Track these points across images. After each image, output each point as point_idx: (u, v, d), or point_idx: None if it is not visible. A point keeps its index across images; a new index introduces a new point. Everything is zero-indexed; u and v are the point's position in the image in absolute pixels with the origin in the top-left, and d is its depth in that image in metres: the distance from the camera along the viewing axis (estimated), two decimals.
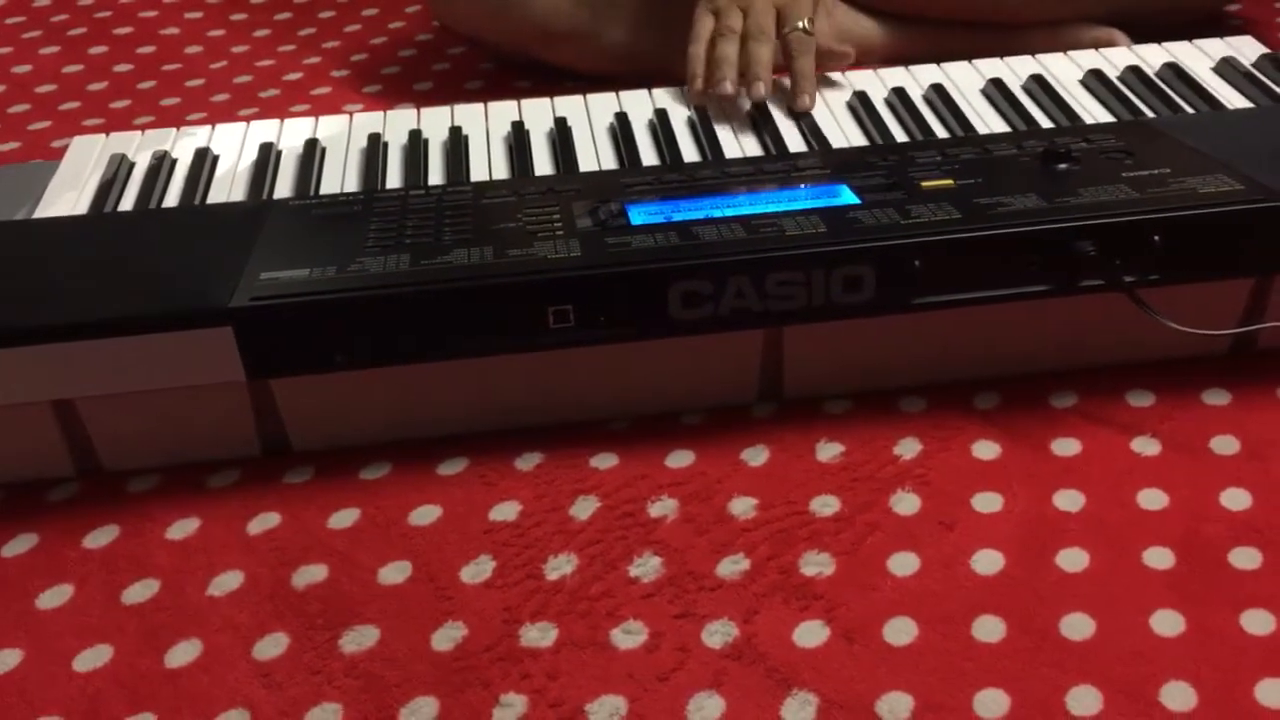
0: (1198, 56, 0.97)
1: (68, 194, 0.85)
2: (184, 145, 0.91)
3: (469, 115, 0.94)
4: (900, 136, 0.88)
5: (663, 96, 0.96)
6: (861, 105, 0.92)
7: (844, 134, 0.89)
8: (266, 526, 0.67)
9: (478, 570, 0.64)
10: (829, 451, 0.70)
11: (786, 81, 0.94)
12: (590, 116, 0.93)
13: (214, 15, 1.39)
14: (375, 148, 0.89)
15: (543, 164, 0.87)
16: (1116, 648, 0.57)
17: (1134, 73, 0.95)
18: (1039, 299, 0.70)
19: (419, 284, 0.66)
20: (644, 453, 0.71)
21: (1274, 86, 0.91)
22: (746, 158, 0.85)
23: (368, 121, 0.94)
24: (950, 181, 0.74)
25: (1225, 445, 0.69)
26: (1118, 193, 0.71)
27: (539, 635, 0.60)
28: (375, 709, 0.57)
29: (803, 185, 0.75)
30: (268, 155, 0.88)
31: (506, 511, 0.67)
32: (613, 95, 0.96)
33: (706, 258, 0.67)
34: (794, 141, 0.88)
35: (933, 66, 0.98)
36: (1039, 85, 0.93)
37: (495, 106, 0.95)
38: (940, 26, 1.14)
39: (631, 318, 0.68)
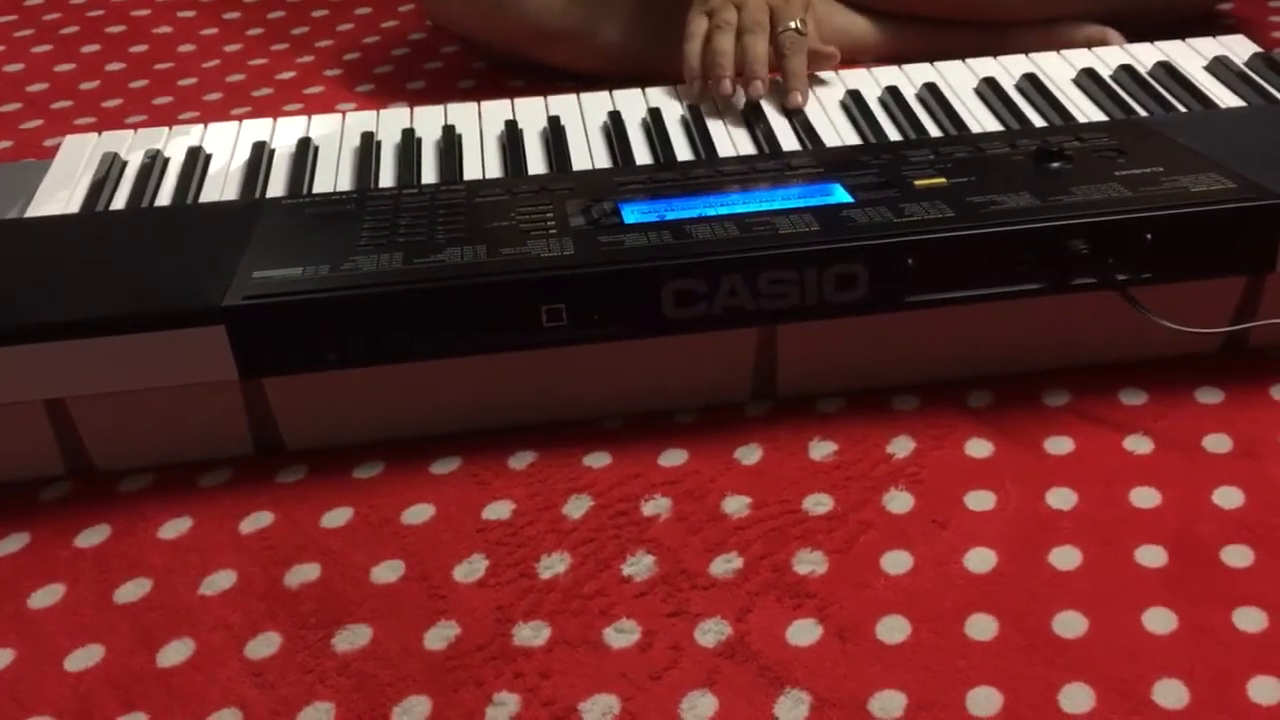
0: (1190, 55, 0.98)
1: (60, 193, 0.85)
2: (176, 144, 0.91)
3: (462, 114, 0.94)
4: (893, 135, 0.88)
5: (656, 95, 0.95)
6: (855, 104, 0.92)
7: (837, 132, 0.89)
8: (259, 525, 0.67)
9: (470, 569, 0.64)
10: (822, 450, 0.70)
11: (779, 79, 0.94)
12: (584, 115, 0.93)
13: (206, 14, 1.38)
14: (368, 146, 0.89)
15: (536, 163, 0.87)
16: (1109, 645, 0.57)
17: (1127, 71, 0.95)
18: (1032, 297, 0.70)
19: (412, 283, 0.66)
20: (637, 451, 0.71)
21: (1266, 86, 0.91)
22: (740, 156, 0.85)
23: (361, 120, 0.94)
24: (943, 180, 0.74)
25: (1218, 444, 0.69)
26: (1110, 191, 0.71)
27: (532, 634, 0.60)
28: (368, 708, 0.56)
29: (796, 184, 0.75)
30: (260, 154, 0.88)
31: (499, 510, 0.67)
32: (606, 94, 0.96)
33: (700, 256, 0.67)
34: (787, 140, 0.88)
35: (926, 65, 0.98)
36: (1032, 84, 0.93)
37: (488, 105, 0.95)
38: (933, 25, 1.14)
39: (625, 316, 0.68)
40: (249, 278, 0.67)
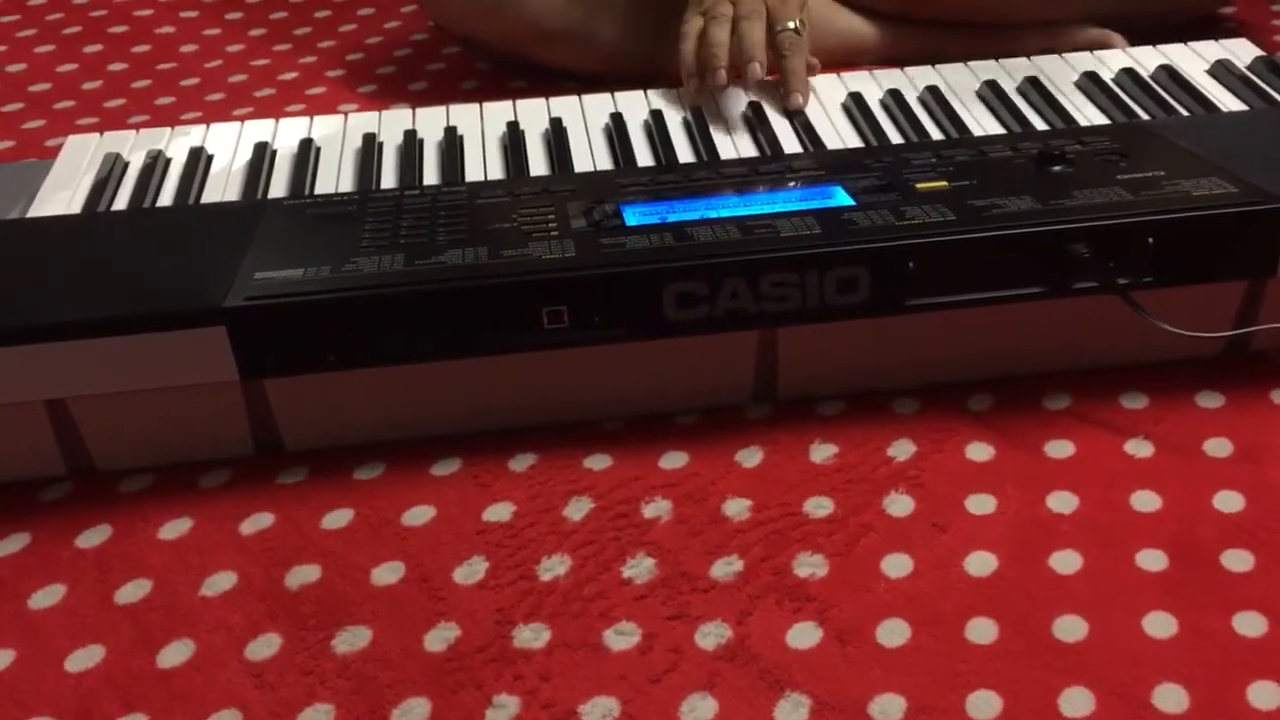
0: (1192, 59, 0.98)
1: (62, 193, 0.85)
2: (178, 144, 0.91)
3: (464, 115, 0.94)
4: (895, 138, 0.88)
5: (658, 97, 0.95)
6: (856, 106, 0.92)
7: (839, 135, 0.89)
8: (259, 527, 0.67)
9: (471, 571, 0.64)
10: (823, 453, 0.70)
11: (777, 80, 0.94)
12: (585, 117, 0.93)
13: (209, 14, 1.38)
14: (370, 147, 0.89)
15: (538, 164, 0.87)
16: (1109, 649, 0.57)
17: (1128, 75, 0.95)
18: (1033, 301, 0.70)
19: (413, 284, 0.66)
20: (638, 453, 0.71)
21: (1268, 89, 0.91)
22: (741, 159, 0.85)
23: (363, 121, 0.94)
24: (945, 183, 0.74)
25: (1218, 448, 0.69)
26: (1112, 195, 0.71)
27: (532, 636, 0.60)
28: (367, 710, 0.56)
29: (797, 186, 0.75)
30: (262, 155, 0.88)
31: (500, 512, 0.67)
32: (608, 96, 0.96)
33: (701, 259, 0.67)
34: (789, 143, 0.88)
35: (927, 68, 0.98)
36: (1033, 87, 0.93)
37: (490, 107, 0.95)
38: (935, 27, 1.14)
39: (626, 318, 0.68)
40: (250, 279, 0.67)
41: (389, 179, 0.86)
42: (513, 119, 0.93)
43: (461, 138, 0.90)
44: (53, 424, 0.69)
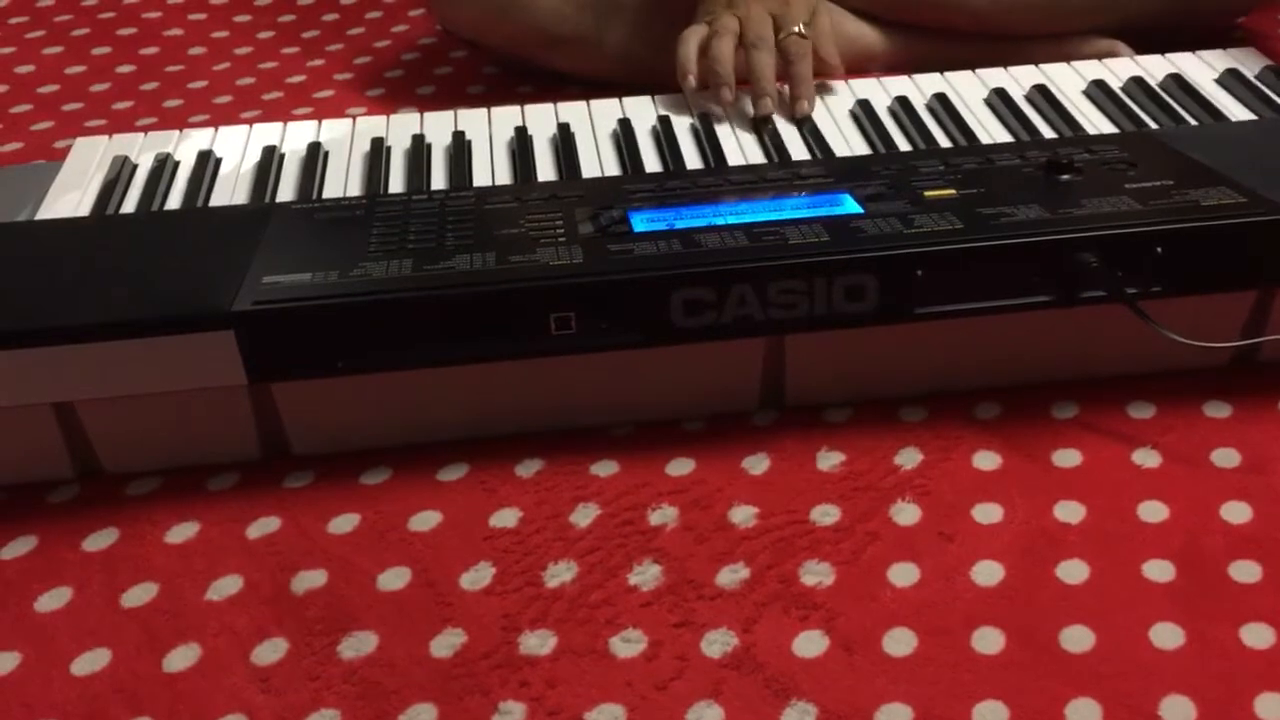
0: (1201, 68, 0.98)
1: (70, 195, 0.85)
2: (186, 147, 0.91)
3: (472, 120, 0.94)
4: (903, 145, 0.88)
5: (666, 103, 0.96)
6: (864, 113, 0.92)
7: (847, 142, 0.89)
8: (266, 531, 0.67)
9: (477, 577, 0.64)
10: (830, 460, 0.70)
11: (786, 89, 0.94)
12: (593, 122, 0.93)
13: (217, 17, 1.39)
14: (378, 152, 0.89)
15: (545, 169, 0.87)
16: (1116, 660, 0.57)
17: (1137, 84, 0.95)
18: (1041, 310, 0.70)
19: (421, 289, 0.66)
20: (644, 460, 0.71)
21: (1277, 99, 0.91)
22: (749, 165, 0.85)
23: (370, 125, 0.94)
24: (953, 191, 0.74)
25: (1226, 458, 0.69)
26: (1120, 204, 0.71)
27: (538, 643, 0.60)
28: (373, 715, 0.56)
29: (805, 193, 0.75)
30: (270, 158, 0.88)
31: (506, 518, 0.67)
32: (616, 101, 0.96)
33: (709, 265, 0.67)
34: (797, 149, 0.88)
35: (936, 75, 0.98)
36: (1042, 95, 0.93)
37: (498, 111, 0.95)
38: (943, 36, 1.14)
39: (633, 325, 0.68)
40: (258, 283, 0.67)
41: (396, 183, 0.87)
42: (520, 124, 0.93)
43: (469, 142, 0.90)
44: (60, 427, 0.69)
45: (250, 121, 0.98)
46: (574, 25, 1.10)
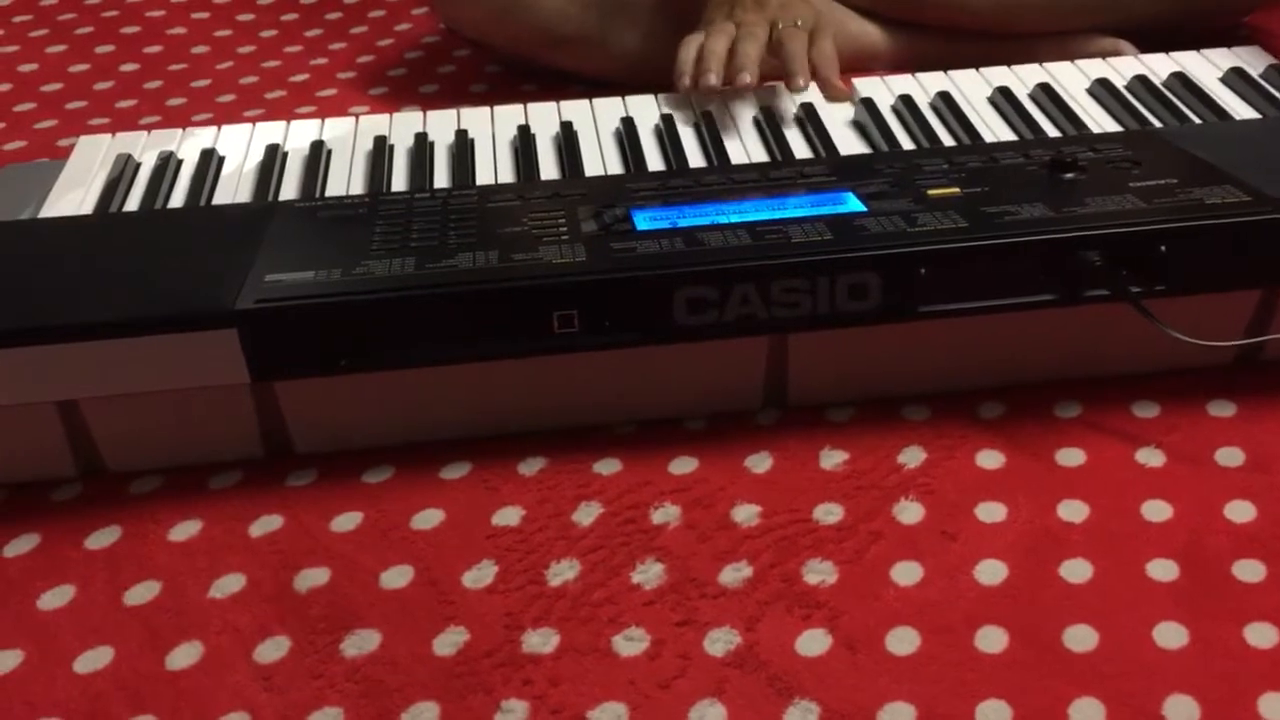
0: (1205, 66, 0.97)
1: (73, 193, 0.85)
2: (190, 146, 0.91)
3: (475, 118, 0.94)
4: (907, 144, 0.88)
5: (669, 102, 0.95)
6: (868, 112, 0.92)
7: (850, 141, 0.89)
8: (268, 529, 0.67)
9: (480, 575, 0.64)
10: (833, 459, 0.70)
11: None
12: (596, 121, 0.93)
13: (221, 15, 1.39)
14: (381, 150, 0.89)
15: (548, 168, 0.87)
16: (1119, 660, 0.57)
17: (1141, 82, 0.95)
18: (1044, 309, 0.69)
19: (424, 287, 0.66)
20: (647, 458, 0.71)
21: None
22: (752, 164, 0.85)
23: (373, 124, 0.94)
24: (957, 190, 0.73)
25: (1230, 457, 0.69)
26: (1124, 203, 0.70)
27: (541, 641, 0.60)
28: (376, 713, 0.56)
29: (808, 192, 0.75)
30: (273, 157, 0.88)
31: (509, 516, 0.67)
32: (619, 100, 0.96)
33: (712, 264, 0.67)
34: (800, 148, 0.88)
35: (940, 74, 0.98)
36: (1046, 94, 0.93)
37: (501, 110, 0.95)
38: (947, 34, 1.14)
39: (636, 323, 0.67)
40: (261, 281, 0.67)
41: (399, 181, 0.87)
42: (523, 122, 0.93)
43: (472, 141, 0.90)
44: (64, 425, 0.69)
45: (253, 120, 0.98)
46: (578, 25, 1.10)
